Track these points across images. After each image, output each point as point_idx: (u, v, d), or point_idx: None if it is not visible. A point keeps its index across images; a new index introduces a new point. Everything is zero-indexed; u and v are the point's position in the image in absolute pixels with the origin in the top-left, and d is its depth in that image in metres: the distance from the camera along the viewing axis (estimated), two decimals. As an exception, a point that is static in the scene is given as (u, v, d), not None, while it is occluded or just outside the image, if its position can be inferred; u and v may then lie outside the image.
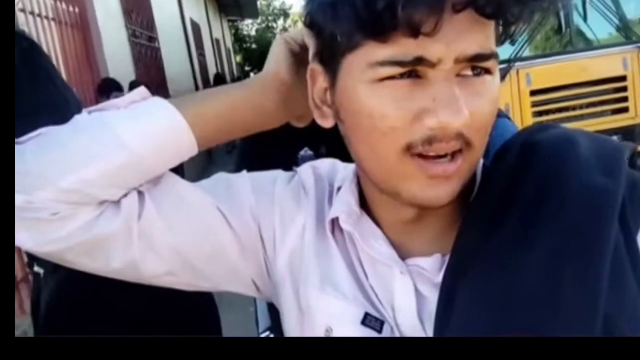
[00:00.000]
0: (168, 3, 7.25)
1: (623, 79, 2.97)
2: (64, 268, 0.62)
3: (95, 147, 0.49)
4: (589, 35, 3.13)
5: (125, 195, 0.52)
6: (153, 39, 6.10)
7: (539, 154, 0.48)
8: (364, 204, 0.56)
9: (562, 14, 3.03)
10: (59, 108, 0.53)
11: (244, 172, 0.62)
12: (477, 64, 0.44)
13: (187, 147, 0.53)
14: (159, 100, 0.53)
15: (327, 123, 0.52)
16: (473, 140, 0.45)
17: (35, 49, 0.66)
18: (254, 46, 23.23)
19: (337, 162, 0.64)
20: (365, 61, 0.45)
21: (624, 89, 2.97)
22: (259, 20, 22.82)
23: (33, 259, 0.74)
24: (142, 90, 0.55)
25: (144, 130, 0.50)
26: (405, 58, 0.43)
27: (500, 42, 0.47)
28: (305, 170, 0.62)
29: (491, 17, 0.42)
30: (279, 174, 0.63)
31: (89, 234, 0.50)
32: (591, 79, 2.93)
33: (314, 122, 0.56)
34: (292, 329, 0.59)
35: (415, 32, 0.41)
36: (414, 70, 0.43)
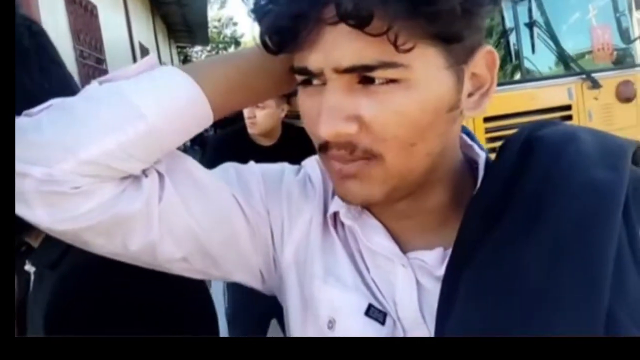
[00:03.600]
0: (117, 25, 7.10)
1: (568, 107, 3.14)
2: (65, 263, 0.59)
3: (114, 117, 0.46)
4: (537, 66, 3.29)
5: (146, 176, 0.50)
6: (101, 60, 5.95)
7: (541, 149, 0.47)
8: None
9: (512, 46, 3.19)
10: (72, 93, 0.52)
11: (251, 162, 0.62)
12: (363, 73, 0.43)
13: (204, 117, 0.52)
14: (173, 69, 0.51)
15: None
16: (378, 151, 0.45)
17: (45, 34, 0.63)
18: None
19: None
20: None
21: (569, 117, 3.13)
22: (208, 47, 22.85)
23: (22, 254, 0.68)
24: (150, 58, 0.53)
25: (162, 100, 0.48)
26: (299, 66, 0.47)
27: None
28: (311, 164, 0.63)
29: (361, 28, 0.40)
30: (285, 166, 0.64)
31: (110, 213, 0.47)
32: (539, 107, 3.07)
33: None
34: (295, 321, 0.58)
35: (288, 46, 0.45)
36: (313, 78, 0.47)
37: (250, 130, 2.18)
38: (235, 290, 2.16)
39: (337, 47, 0.43)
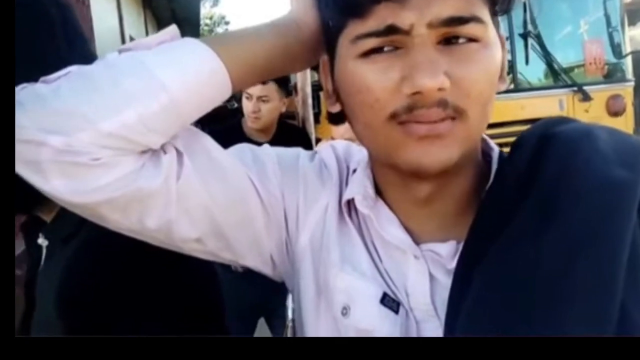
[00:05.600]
0: (108, 17, 7.03)
1: (558, 119, 3.19)
2: (79, 237, 0.59)
3: (136, 89, 0.45)
4: (529, 77, 3.33)
5: (165, 152, 0.49)
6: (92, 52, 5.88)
7: (557, 146, 0.47)
8: (377, 191, 0.56)
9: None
10: None
11: (266, 145, 0.62)
12: (454, 29, 0.44)
13: (224, 90, 0.51)
14: (194, 41, 0.50)
15: (334, 108, 0.55)
16: (464, 107, 0.45)
17: (71, 8, 0.63)
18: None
19: (351, 144, 0.65)
20: (349, 38, 0.47)
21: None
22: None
23: (34, 229, 0.67)
24: (171, 29, 0.52)
25: (185, 73, 0.47)
26: (379, 28, 0.45)
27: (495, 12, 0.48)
28: (326, 150, 0.63)
29: None
30: (300, 151, 0.63)
31: (129, 187, 0.46)
32: (530, 117, 3.11)
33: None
34: (307, 308, 0.58)
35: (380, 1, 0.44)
36: (391, 40, 0.45)
37: (252, 125, 2.17)
38: (227, 283, 2.14)
39: (434, 0, 0.44)
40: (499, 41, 0.49)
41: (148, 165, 0.48)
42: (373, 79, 0.46)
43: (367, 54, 0.46)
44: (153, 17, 12.37)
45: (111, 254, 0.59)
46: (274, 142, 2.27)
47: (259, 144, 2.18)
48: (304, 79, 2.45)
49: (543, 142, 0.48)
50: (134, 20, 9.67)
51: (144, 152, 0.49)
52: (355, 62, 0.47)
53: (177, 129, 0.50)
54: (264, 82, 2.20)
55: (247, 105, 2.16)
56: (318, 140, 2.49)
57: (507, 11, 0.49)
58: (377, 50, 0.46)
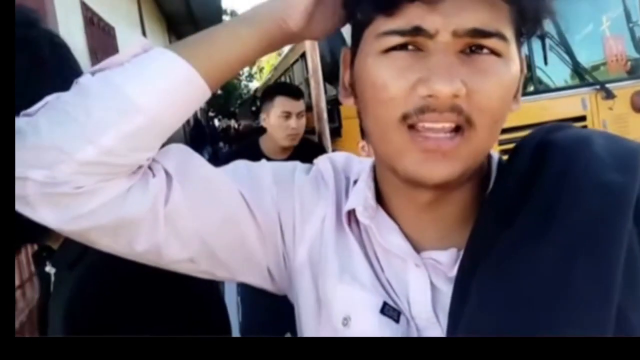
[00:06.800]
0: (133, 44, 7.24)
1: (583, 118, 3.12)
2: (82, 264, 0.60)
3: (108, 114, 0.46)
4: (551, 77, 3.27)
5: (154, 175, 0.50)
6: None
7: (554, 152, 0.48)
8: (379, 200, 0.56)
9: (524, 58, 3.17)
10: None
11: (263, 160, 0.62)
12: (478, 40, 0.45)
13: (200, 94, 0.51)
14: (163, 52, 0.50)
15: (347, 101, 0.55)
16: (475, 120, 0.45)
17: (67, 47, 0.65)
18: (219, 92, 23.41)
19: (351, 156, 0.66)
20: (374, 33, 0.48)
21: (584, 128, 3.10)
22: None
23: (44, 258, 0.69)
24: (142, 41, 0.52)
25: (156, 88, 0.48)
26: (405, 27, 0.45)
27: (521, 34, 0.49)
28: (323, 162, 0.63)
29: None
30: (296, 164, 0.63)
31: (114, 214, 0.47)
32: (553, 118, 3.05)
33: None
34: (308, 320, 0.58)
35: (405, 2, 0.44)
36: (414, 41, 0.46)
37: (291, 143, 2.19)
38: (249, 305, 2.16)
39: (462, 9, 0.44)
40: (519, 62, 0.50)
41: (135, 190, 0.49)
42: (390, 76, 0.46)
43: (388, 50, 0.47)
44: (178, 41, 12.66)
45: (115, 278, 0.60)
46: (291, 160, 2.29)
47: (276, 161, 2.17)
48: (318, 95, 2.48)
49: (541, 149, 0.49)
50: (160, 43, 9.90)
51: (133, 172, 0.50)
52: (375, 58, 0.48)
53: (160, 141, 0.51)
54: (297, 98, 2.23)
55: (287, 124, 2.16)
56: (337, 154, 2.50)
57: (533, 35, 0.49)
58: (399, 49, 0.46)
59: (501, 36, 0.45)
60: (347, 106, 0.57)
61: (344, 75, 0.56)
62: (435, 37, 0.45)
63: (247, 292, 2.21)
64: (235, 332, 2.01)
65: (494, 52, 0.46)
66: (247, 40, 0.53)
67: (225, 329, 0.70)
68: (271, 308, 1.90)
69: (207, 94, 0.52)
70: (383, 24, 0.47)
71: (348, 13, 0.53)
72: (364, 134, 2.11)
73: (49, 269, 0.69)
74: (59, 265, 0.68)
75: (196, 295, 0.64)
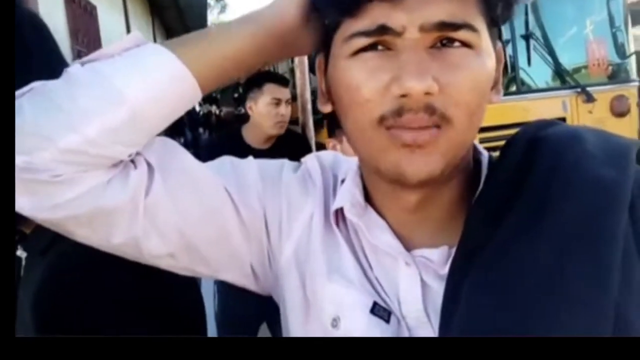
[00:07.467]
0: (116, 27, 7.10)
1: (563, 120, 3.16)
2: (54, 250, 0.59)
3: (94, 103, 0.45)
4: (533, 79, 3.31)
5: (135, 167, 0.48)
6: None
7: (545, 148, 0.47)
8: (367, 199, 0.56)
9: (508, 58, 3.21)
10: None
11: (250, 157, 0.61)
12: (446, 33, 0.44)
13: (191, 95, 0.50)
14: (155, 47, 0.49)
15: (325, 108, 0.55)
16: (450, 115, 0.45)
17: (47, 28, 0.64)
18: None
19: (338, 155, 0.65)
20: (342, 37, 0.48)
21: (570, 126, 3.16)
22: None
23: (16, 241, 0.68)
24: (135, 35, 0.51)
25: (144, 82, 0.47)
26: (370, 27, 0.45)
27: (495, 23, 0.48)
28: (311, 160, 0.62)
29: None
30: (284, 162, 0.62)
31: (91, 204, 0.46)
32: (534, 118, 3.08)
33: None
34: (295, 320, 0.57)
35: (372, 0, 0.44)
36: (382, 41, 0.45)
37: (279, 131, 2.17)
38: (226, 293, 2.15)
39: (427, 3, 0.44)
40: (495, 52, 0.49)
41: (115, 181, 0.48)
42: (363, 78, 0.46)
43: (358, 52, 0.46)
44: (161, 25, 12.48)
45: (88, 266, 0.59)
46: (274, 149, 2.28)
47: (260, 151, 2.17)
48: (303, 85, 2.46)
49: (532, 145, 0.49)
50: (143, 29, 9.76)
51: (114, 165, 0.48)
52: (346, 61, 0.47)
53: (144, 138, 0.49)
54: (285, 86, 2.21)
55: (277, 111, 2.14)
56: (320, 146, 2.50)
57: (506, 20, 0.49)
58: (369, 49, 0.46)
59: (470, 27, 0.45)
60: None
61: (320, 82, 0.55)
62: (403, 35, 0.44)
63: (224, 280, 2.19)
64: (211, 320, 2.00)
65: (465, 44, 0.45)
66: (240, 39, 0.52)
67: (199, 318, 0.69)
68: (248, 297, 1.90)
69: (198, 94, 0.51)
70: (349, 26, 0.46)
71: (318, 19, 0.53)
72: (330, 133, 2.13)
73: (20, 253, 0.68)
74: (31, 250, 0.67)
75: (170, 284, 0.63)
